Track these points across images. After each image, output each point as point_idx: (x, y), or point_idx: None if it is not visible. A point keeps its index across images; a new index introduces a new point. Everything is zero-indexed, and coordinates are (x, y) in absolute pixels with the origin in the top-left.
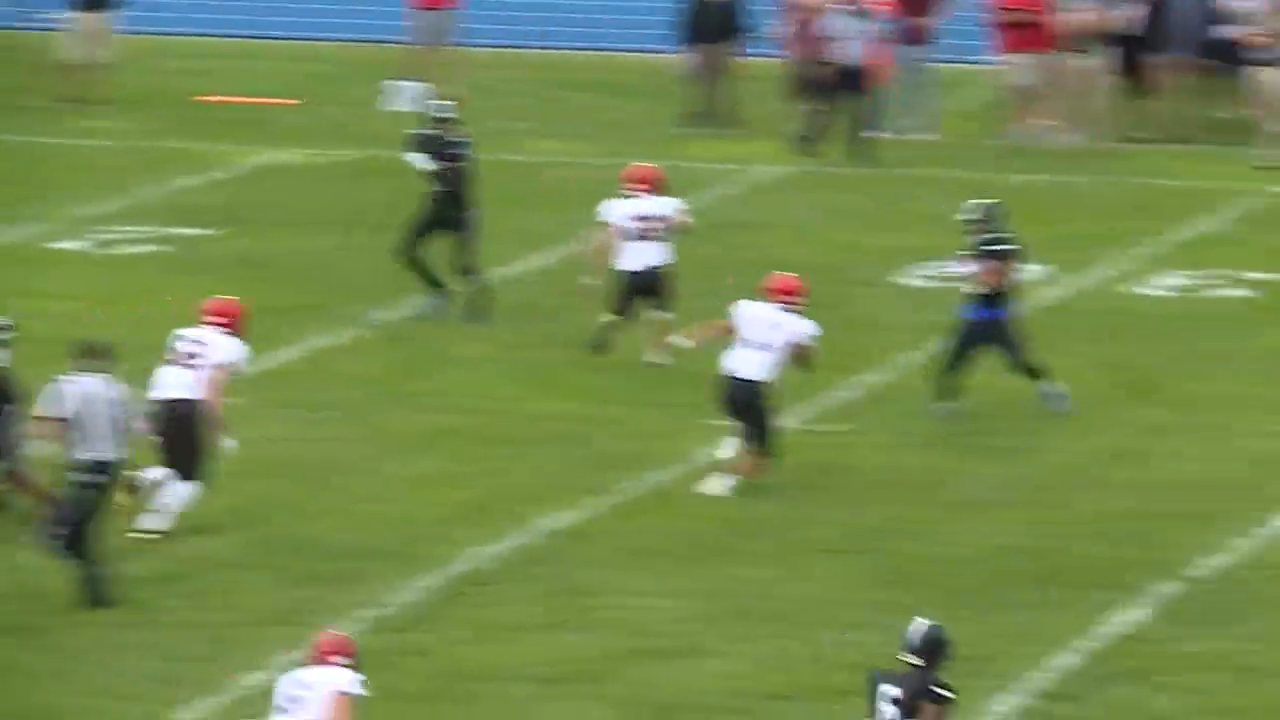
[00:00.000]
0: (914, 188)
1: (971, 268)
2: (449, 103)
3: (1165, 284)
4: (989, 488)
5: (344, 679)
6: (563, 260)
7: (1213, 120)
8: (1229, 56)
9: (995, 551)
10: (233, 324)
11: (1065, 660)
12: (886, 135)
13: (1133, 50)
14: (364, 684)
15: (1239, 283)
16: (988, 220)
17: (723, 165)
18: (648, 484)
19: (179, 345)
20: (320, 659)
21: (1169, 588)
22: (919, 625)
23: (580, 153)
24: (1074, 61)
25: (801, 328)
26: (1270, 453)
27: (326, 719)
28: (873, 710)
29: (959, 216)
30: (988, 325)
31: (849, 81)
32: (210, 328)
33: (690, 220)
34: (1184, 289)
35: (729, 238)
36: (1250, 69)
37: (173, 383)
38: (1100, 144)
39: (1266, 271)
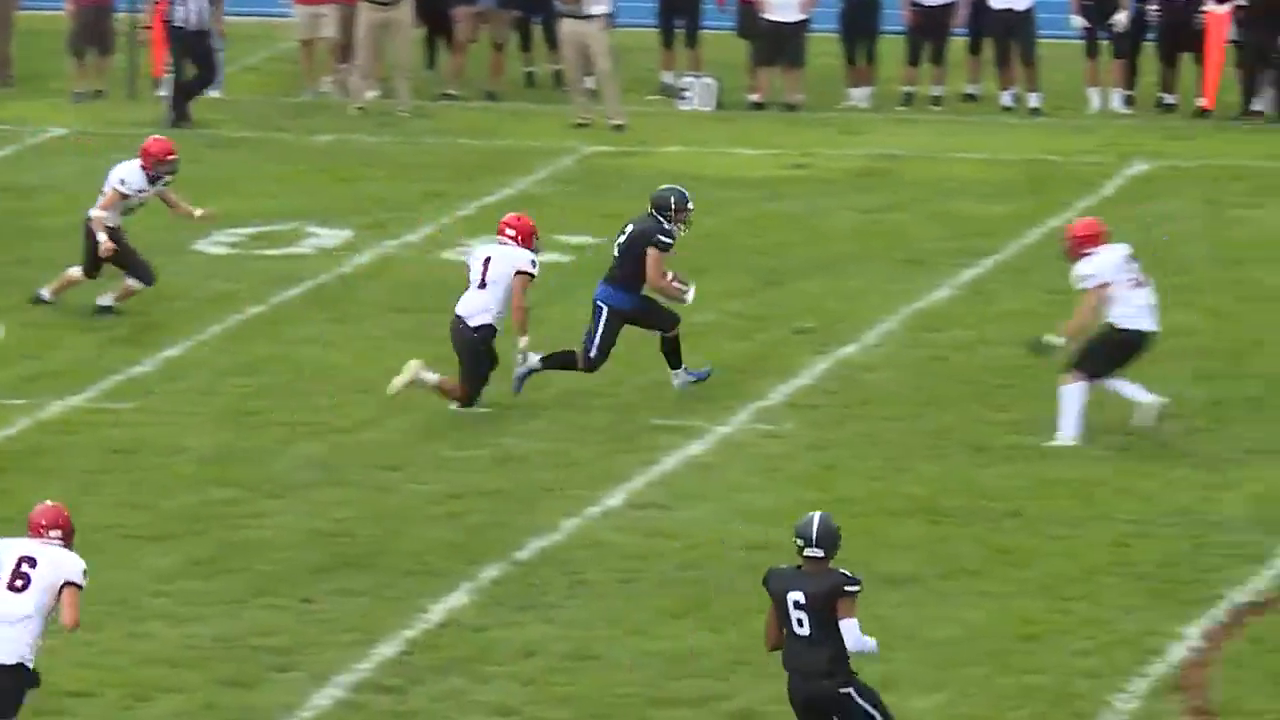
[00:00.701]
0: (207, 150)
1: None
2: None
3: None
4: (301, 467)
5: (75, 567)
6: None
7: (525, 75)
8: (539, 8)
9: (311, 536)
10: None
11: (387, 650)
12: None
13: (438, 0)
14: (86, 574)
15: (554, 246)
16: None
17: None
18: None
19: None
20: (36, 531)
21: (494, 571)
22: (811, 518)
23: None
24: (375, 13)
25: (517, 257)
26: (590, 424)
27: (47, 607)
28: (786, 618)
29: (689, 206)
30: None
31: (187, 41)
32: None
33: (117, 194)
34: None
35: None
36: (560, 21)
37: None
38: (406, 100)
39: (581, 234)
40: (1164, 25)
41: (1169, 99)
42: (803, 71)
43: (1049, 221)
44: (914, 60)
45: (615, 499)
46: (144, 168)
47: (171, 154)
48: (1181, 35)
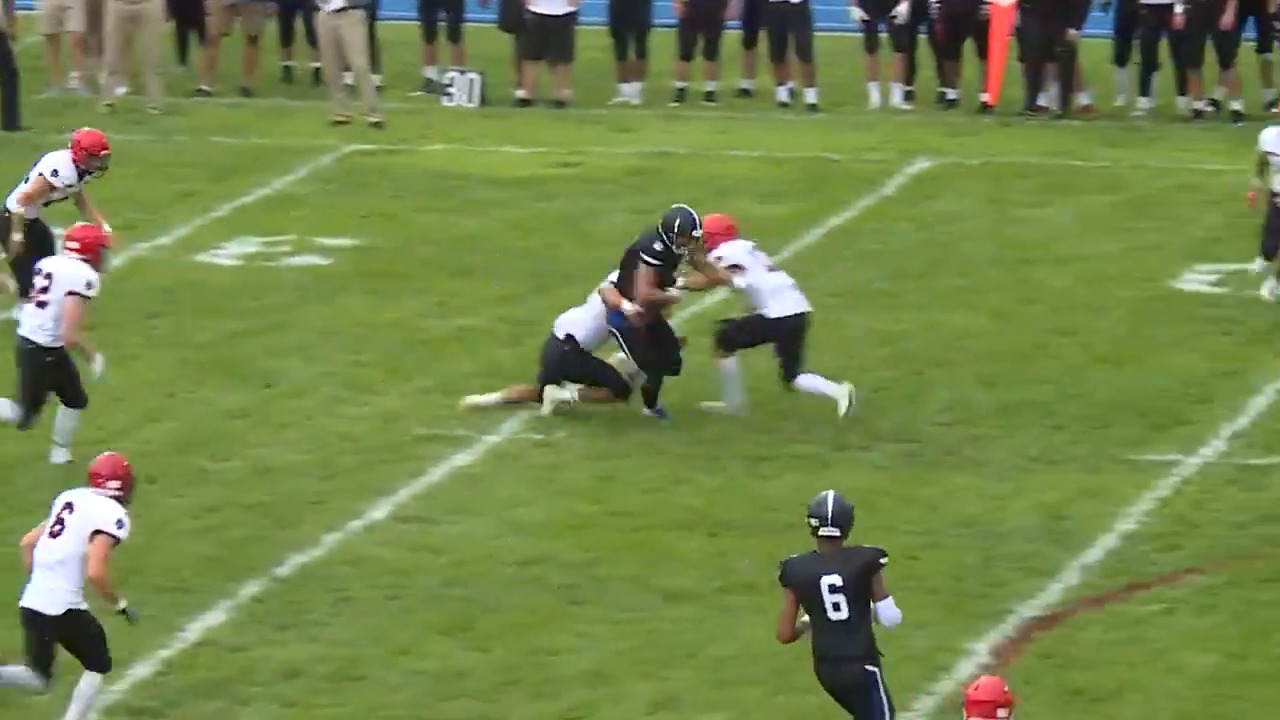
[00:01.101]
0: None
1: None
2: None
3: (233, 251)
4: (51, 481)
5: (107, 515)
6: None
7: (281, 70)
8: (298, 0)
9: None
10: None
11: (142, 671)
12: None
13: None
14: (123, 524)
15: (313, 248)
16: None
17: None
18: None
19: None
20: (95, 482)
21: (254, 588)
22: (825, 496)
23: None
24: (123, 5)
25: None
26: (352, 434)
27: (81, 553)
28: (818, 604)
29: (695, 233)
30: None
31: None
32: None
33: (46, 184)
34: (253, 256)
35: None
36: (317, 14)
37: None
38: (157, 97)
39: (341, 236)
40: (946, 17)
41: (951, 94)
42: (571, 66)
43: (830, 222)
44: (686, 54)
45: (379, 512)
46: (75, 160)
47: (105, 148)
48: (964, 28)
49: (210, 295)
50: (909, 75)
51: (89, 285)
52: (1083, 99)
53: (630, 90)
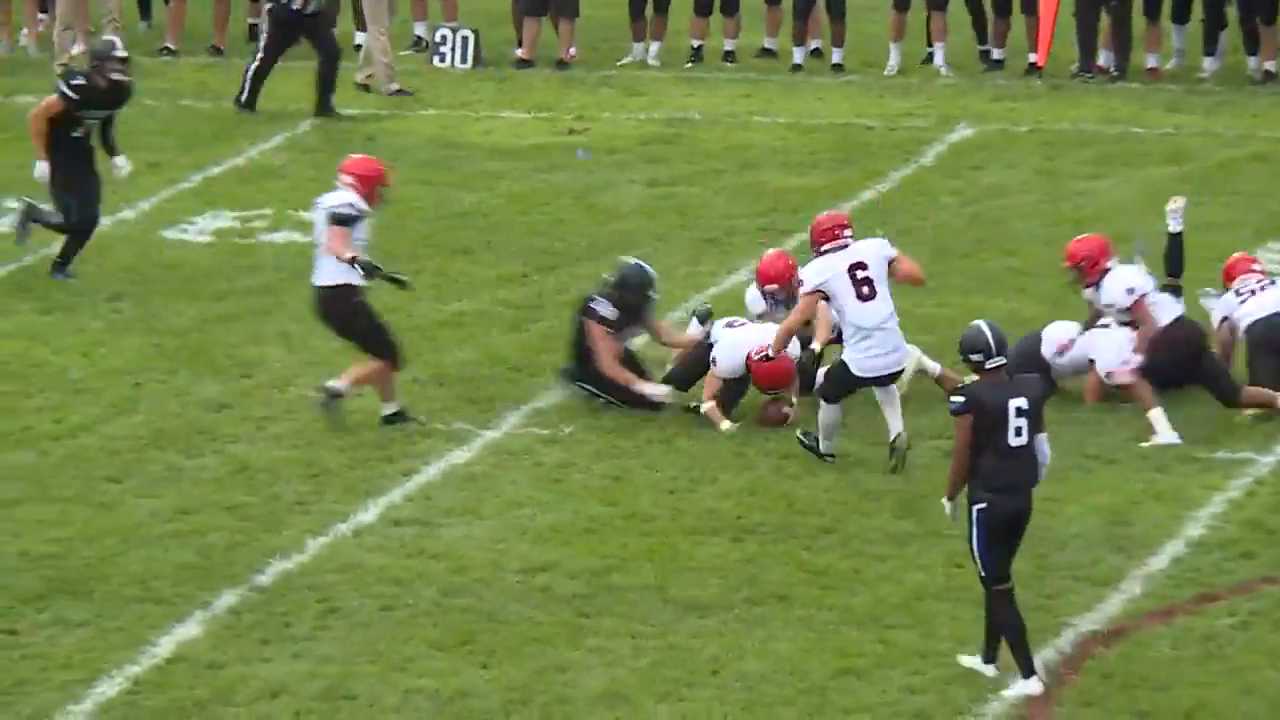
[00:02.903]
0: None
1: None
2: None
3: (205, 226)
4: (7, 480)
5: (880, 245)
6: None
7: (250, 29)
8: None
9: (21, 559)
10: None
11: (108, 689)
12: None
13: None
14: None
15: (292, 224)
16: None
17: None
18: None
19: None
20: (829, 237)
21: (232, 598)
22: (979, 327)
23: None
24: None
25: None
26: (340, 429)
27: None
28: (1002, 430)
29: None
30: None
31: None
32: None
33: None
34: (227, 232)
35: None
36: None
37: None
38: None
39: None
40: None
41: (997, 54)
42: (576, 22)
43: (863, 195)
44: (703, 10)
45: (370, 515)
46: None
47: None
48: None
49: (181, 275)
50: (942, 33)
51: None
52: (1150, 60)
53: (643, 50)
